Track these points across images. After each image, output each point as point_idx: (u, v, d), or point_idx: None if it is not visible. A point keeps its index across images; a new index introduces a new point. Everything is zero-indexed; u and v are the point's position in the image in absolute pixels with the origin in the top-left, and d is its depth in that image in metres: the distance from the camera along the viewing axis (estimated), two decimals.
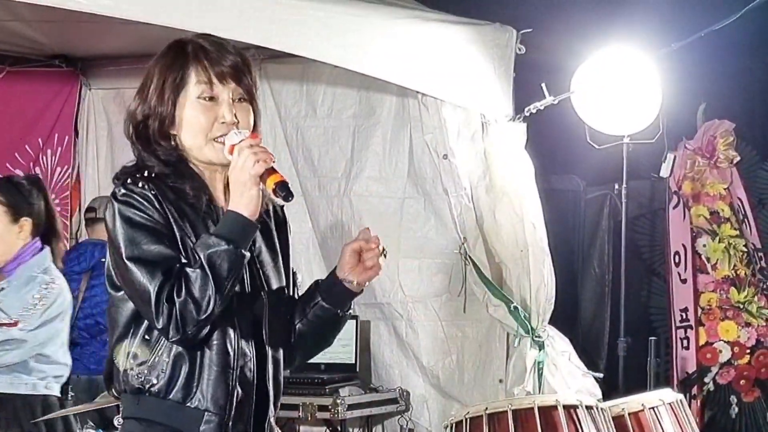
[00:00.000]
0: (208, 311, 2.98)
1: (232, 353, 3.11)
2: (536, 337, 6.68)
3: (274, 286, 3.28)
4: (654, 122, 6.88)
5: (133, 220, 3.03)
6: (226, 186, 3.18)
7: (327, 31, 6.01)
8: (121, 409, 3.22)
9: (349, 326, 7.38)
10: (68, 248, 7.80)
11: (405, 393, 7.34)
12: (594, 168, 8.05)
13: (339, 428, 7.19)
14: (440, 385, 7.29)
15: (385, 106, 7.40)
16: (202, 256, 2.98)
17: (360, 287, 3.41)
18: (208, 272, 2.97)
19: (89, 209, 7.72)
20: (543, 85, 6.61)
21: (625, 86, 6.66)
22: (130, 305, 3.08)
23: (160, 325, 2.97)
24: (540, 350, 6.68)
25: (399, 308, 7.43)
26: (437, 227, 7.24)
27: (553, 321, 6.80)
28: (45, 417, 5.78)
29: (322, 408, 6.98)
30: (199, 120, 3.14)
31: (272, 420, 3.27)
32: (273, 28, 5.80)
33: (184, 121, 3.15)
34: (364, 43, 6.20)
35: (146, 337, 3.08)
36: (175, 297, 2.95)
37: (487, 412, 4.89)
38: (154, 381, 3.06)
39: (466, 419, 4.96)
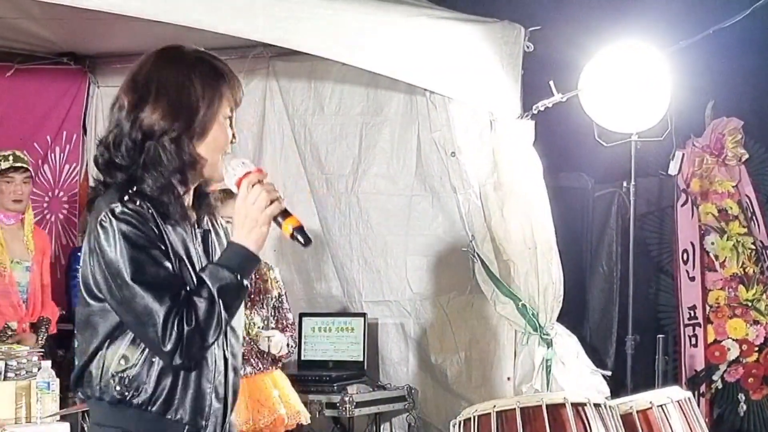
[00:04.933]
0: (211, 341, 3.04)
1: (211, 367, 3.16)
2: (544, 334, 6.68)
3: None
4: (662, 120, 6.87)
5: (136, 241, 3.00)
6: (194, 201, 3.20)
7: (335, 28, 6.01)
8: (90, 415, 3.22)
9: (358, 324, 7.40)
10: (77, 245, 7.84)
11: (413, 390, 7.34)
12: (602, 165, 8.05)
13: (347, 425, 7.20)
14: (448, 383, 7.29)
15: (393, 103, 7.40)
16: (212, 288, 3.02)
17: None
18: (216, 303, 3.01)
19: None
20: (551, 82, 6.60)
21: (634, 84, 6.66)
22: (111, 318, 3.07)
23: (167, 349, 2.98)
24: (548, 348, 6.68)
25: (407, 306, 7.44)
26: (445, 225, 7.24)
27: (561, 318, 6.80)
28: (50, 415, 5.80)
29: (330, 405, 6.99)
30: (225, 138, 3.17)
31: (232, 418, 3.32)
32: (282, 26, 5.80)
33: (211, 136, 3.15)
34: (372, 41, 6.20)
35: (128, 350, 3.08)
36: (185, 324, 2.97)
37: (496, 409, 4.89)
38: (136, 393, 3.08)
39: (474, 417, 4.95)
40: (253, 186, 3.06)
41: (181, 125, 3.09)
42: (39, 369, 5.89)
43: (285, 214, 3.08)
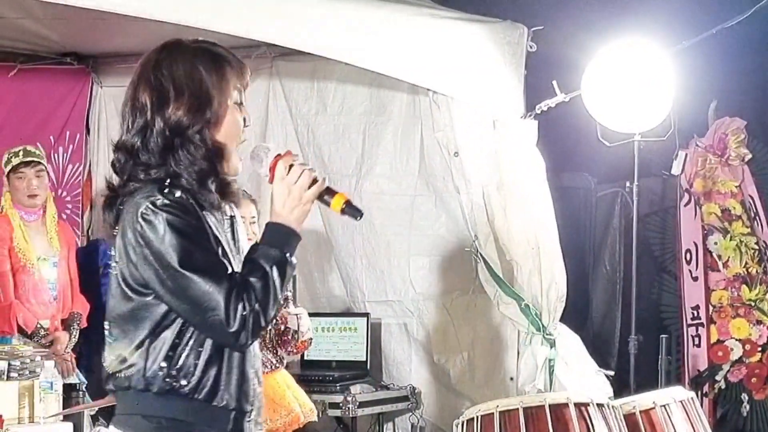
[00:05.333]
0: (270, 318, 3.09)
1: (253, 352, 3.23)
2: (547, 334, 6.67)
3: None
4: (665, 120, 6.87)
5: (182, 229, 3.05)
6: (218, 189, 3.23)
7: (338, 28, 6.02)
8: (124, 406, 3.22)
9: (361, 324, 7.40)
10: (81, 245, 7.83)
11: (416, 390, 7.34)
12: (605, 165, 8.04)
13: (350, 425, 7.20)
14: (451, 383, 7.29)
15: (396, 103, 7.40)
16: (267, 267, 3.07)
17: None
18: (270, 282, 3.06)
19: None
20: (554, 82, 6.60)
21: (637, 84, 6.65)
22: (158, 310, 3.11)
23: (233, 329, 3.02)
24: (551, 348, 6.68)
25: (410, 306, 7.44)
26: (448, 225, 7.25)
27: (564, 319, 6.79)
28: (57, 413, 5.81)
29: (333, 405, 7.00)
30: (238, 124, 3.23)
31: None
32: (284, 25, 5.81)
33: (224, 125, 3.21)
34: (375, 41, 6.20)
35: (176, 340, 3.12)
36: (246, 305, 3.02)
37: (498, 409, 4.89)
38: (184, 382, 3.12)
39: (477, 417, 4.95)
40: (291, 166, 3.12)
41: (204, 117, 3.15)
42: (42, 369, 5.90)
43: (330, 191, 3.16)
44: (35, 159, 6.81)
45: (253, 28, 5.73)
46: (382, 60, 6.32)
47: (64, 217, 8.29)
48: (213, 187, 3.16)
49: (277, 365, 6.03)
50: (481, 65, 6.56)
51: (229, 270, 3.08)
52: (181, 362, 3.11)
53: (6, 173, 6.81)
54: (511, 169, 6.70)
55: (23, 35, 7.65)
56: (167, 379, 3.11)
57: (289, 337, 5.95)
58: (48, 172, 7.01)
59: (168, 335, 3.12)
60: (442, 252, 7.31)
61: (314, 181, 3.14)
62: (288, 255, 3.11)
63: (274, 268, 3.07)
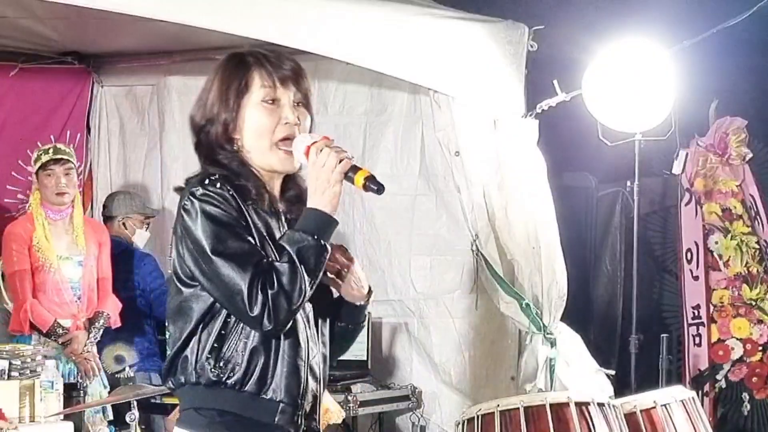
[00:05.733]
0: (299, 302, 3.10)
1: (303, 346, 3.25)
2: (548, 334, 6.67)
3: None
4: (666, 119, 6.87)
5: (217, 217, 3.11)
6: (283, 191, 3.33)
7: (338, 28, 6.01)
8: (182, 402, 3.29)
9: None
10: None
11: (417, 390, 7.34)
12: (606, 165, 8.04)
13: (351, 425, 7.20)
14: (452, 382, 7.29)
15: (397, 103, 7.40)
16: (291, 250, 3.10)
17: (358, 299, 3.48)
18: (298, 265, 3.09)
19: (104, 206, 7.70)
20: (555, 81, 6.60)
21: (638, 83, 6.65)
22: (204, 301, 3.17)
23: (254, 314, 3.06)
24: (552, 347, 6.68)
25: (411, 305, 7.44)
26: (449, 224, 7.24)
27: (565, 318, 6.79)
28: (63, 411, 5.82)
29: None
30: (264, 122, 3.25)
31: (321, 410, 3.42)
32: (285, 25, 5.80)
33: (247, 125, 3.26)
34: (375, 40, 6.20)
35: (222, 331, 3.17)
36: (268, 288, 3.06)
37: (499, 409, 4.90)
38: (231, 374, 3.16)
39: (477, 416, 4.96)
40: (321, 150, 3.18)
41: (214, 120, 3.25)
42: (43, 368, 5.90)
43: (354, 169, 3.22)
44: (65, 157, 6.80)
45: (253, 28, 5.72)
46: (383, 59, 6.32)
47: None
48: (251, 182, 3.23)
49: None
50: (482, 65, 6.56)
51: (261, 257, 3.11)
52: (227, 354, 3.16)
53: (35, 171, 6.81)
54: (512, 168, 6.69)
55: (24, 35, 7.64)
56: (214, 371, 3.16)
57: None
58: (77, 172, 6.98)
59: (215, 327, 3.17)
60: (443, 251, 7.30)
61: (341, 161, 3.18)
62: (316, 238, 3.13)
63: (301, 252, 3.10)
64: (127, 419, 5.91)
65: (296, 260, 3.09)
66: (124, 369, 6.98)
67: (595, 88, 6.64)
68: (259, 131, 3.25)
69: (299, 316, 3.22)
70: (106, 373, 6.88)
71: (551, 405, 4.87)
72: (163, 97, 8.04)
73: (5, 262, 6.74)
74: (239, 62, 3.29)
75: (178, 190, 3.24)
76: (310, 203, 3.18)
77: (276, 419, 3.19)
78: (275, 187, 3.32)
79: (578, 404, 4.91)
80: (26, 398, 5.77)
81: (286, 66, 3.30)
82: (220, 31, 5.66)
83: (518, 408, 4.87)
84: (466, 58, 6.50)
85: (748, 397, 8.05)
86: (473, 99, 6.64)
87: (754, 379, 8.03)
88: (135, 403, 5.85)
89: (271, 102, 3.25)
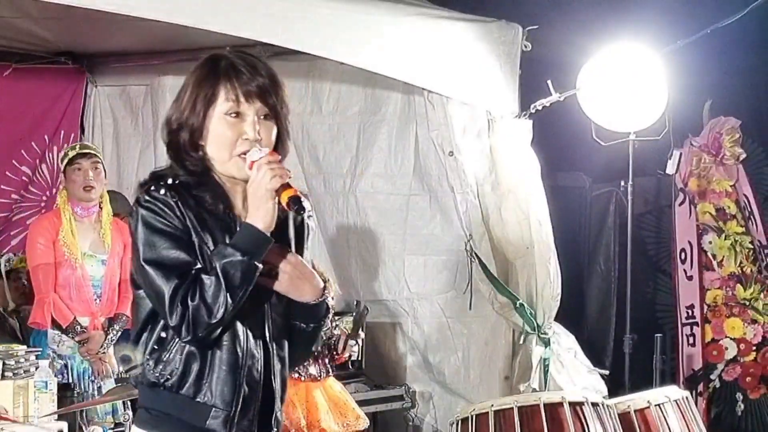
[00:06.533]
0: (219, 316, 3.13)
1: (240, 353, 3.25)
2: (542, 334, 6.68)
3: None
4: (660, 119, 6.87)
5: (154, 225, 3.16)
6: (245, 199, 3.30)
7: (333, 28, 6.01)
8: (138, 398, 3.37)
9: None
10: None
11: (411, 390, 7.34)
12: (600, 165, 8.05)
13: None
14: (446, 382, 7.29)
15: (391, 103, 7.40)
16: (217, 265, 3.13)
17: (306, 299, 3.36)
18: (222, 280, 3.12)
19: None
20: (549, 82, 6.60)
21: (631, 83, 6.66)
22: (148, 303, 3.24)
23: (173, 323, 3.13)
24: (546, 347, 6.68)
25: (404, 305, 7.44)
26: (443, 224, 7.24)
27: (559, 318, 6.80)
28: (58, 411, 5.82)
29: None
30: (226, 135, 3.27)
31: (279, 414, 3.39)
32: (279, 25, 5.80)
33: (211, 135, 3.28)
34: (370, 40, 6.20)
35: (162, 334, 3.23)
36: (189, 300, 3.11)
37: (493, 409, 4.90)
38: (168, 376, 3.22)
39: (472, 416, 4.96)
40: (261, 166, 3.19)
41: (183, 125, 3.27)
42: (37, 368, 5.89)
43: (285, 186, 3.19)
44: (92, 151, 6.75)
45: (246, 28, 5.72)
46: (377, 59, 6.32)
47: None
48: (209, 189, 3.26)
49: (328, 373, 6.21)
50: (476, 64, 6.56)
51: (190, 267, 3.15)
52: (166, 356, 3.21)
53: (63, 168, 6.76)
54: (506, 168, 6.70)
55: (18, 35, 7.64)
56: (154, 372, 3.22)
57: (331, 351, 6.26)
58: (104, 170, 6.93)
59: (156, 329, 3.24)
60: (437, 251, 7.30)
61: (273, 179, 3.18)
62: (244, 254, 3.14)
63: (227, 267, 3.12)
64: (121, 419, 5.89)
65: (221, 275, 3.11)
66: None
67: (589, 88, 6.64)
68: (220, 143, 3.26)
69: (239, 323, 3.24)
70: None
71: (545, 405, 4.88)
72: (156, 96, 8.03)
73: (29, 254, 6.70)
74: (211, 69, 3.29)
75: (141, 185, 3.27)
76: (248, 219, 3.20)
77: (207, 423, 3.22)
78: (238, 193, 3.33)
79: (572, 404, 4.91)
80: (20, 398, 5.77)
81: (256, 80, 3.27)
82: (213, 31, 5.65)
83: (512, 408, 4.87)
84: (460, 58, 6.51)
85: (741, 397, 8.06)
86: (467, 99, 6.65)
87: (748, 378, 8.03)
88: (129, 402, 5.85)
89: (234, 115, 3.26)
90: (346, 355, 6.37)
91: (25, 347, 6.24)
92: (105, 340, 6.64)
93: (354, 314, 6.55)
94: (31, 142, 7.92)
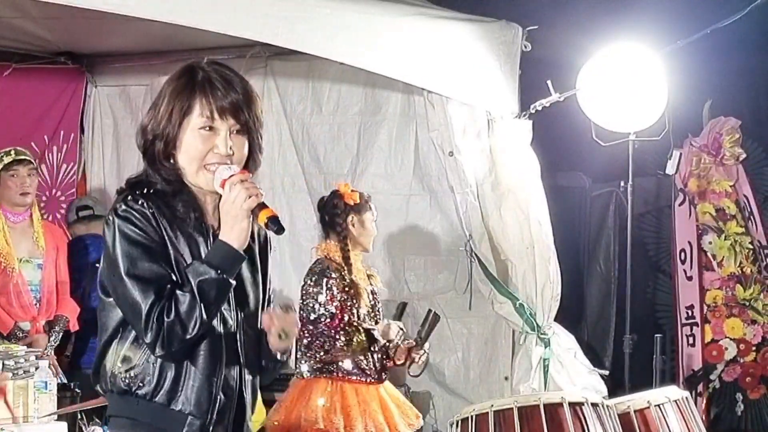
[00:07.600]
0: (193, 333, 3.16)
1: (218, 361, 3.28)
2: (542, 334, 6.68)
3: (251, 300, 3.43)
4: (660, 119, 6.87)
5: (131, 237, 3.19)
6: (216, 208, 3.32)
7: (333, 28, 6.01)
8: (108, 406, 3.36)
9: None
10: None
11: (410, 390, 7.33)
12: (600, 165, 8.04)
13: None
14: (446, 382, 7.29)
15: (391, 103, 7.40)
16: (192, 283, 3.16)
17: (276, 353, 3.41)
18: (197, 297, 3.15)
19: (84, 207, 7.65)
20: (549, 82, 6.60)
21: (631, 83, 6.66)
22: (119, 311, 3.24)
23: (148, 340, 3.15)
24: (546, 347, 6.68)
25: None
26: (443, 224, 7.24)
27: (559, 318, 6.80)
28: (53, 413, 5.81)
29: None
30: (197, 148, 3.29)
31: (249, 423, 3.44)
32: (279, 25, 5.80)
33: (183, 146, 3.30)
34: (370, 40, 6.19)
35: (135, 342, 3.23)
36: (165, 317, 3.14)
37: (493, 409, 4.89)
38: (141, 384, 3.23)
39: (471, 416, 4.96)
40: (234, 185, 3.20)
41: (159, 136, 3.29)
42: (37, 369, 5.89)
43: (261, 206, 3.22)
44: (27, 158, 6.82)
45: (246, 28, 5.72)
46: (377, 59, 6.32)
47: (59, 216, 8.29)
48: (182, 199, 3.28)
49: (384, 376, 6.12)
50: (476, 65, 6.56)
51: (168, 282, 3.17)
52: (138, 365, 3.23)
53: None
54: (506, 168, 6.70)
55: (18, 35, 7.64)
56: (125, 380, 3.23)
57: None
58: (39, 174, 7.00)
59: (128, 337, 3.24)
60: (437, 251, 7.31)
61: (249, 198, 3.20)
62: (219, 272, 3.17)
63: (202, 285, 3.15)
64: None
65: (196, 293, 3.14)
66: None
67: (589, 88, 6.64)
68: (191, 155, 3.28)
69: (219, 329, 3.27)
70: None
71: (545, 405, 4.87)
72: None
73: None
74: (188, 82, 3.30)
75: (119, 192, 3.29)
76: (221, 236, 3.23)
77: (183, 431, 3.24)
78: (210, 202, 3.35)
79: (572, 404, 4.90)
80: (20, 399, 5.76)
81: (228, 98, 3.28)
82: (213, 31, 5.66)
83: (512, 408, 4.86)
84: (460, 59, 6.51)
85: (741, 398, 8.05)
86: (467, 99, 6.65)
87: (748, 379, 8.03)
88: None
89: (208, 129, 3.27)
90: (407, 364, 6.14)
91: (24, 347, 6.24)
92: (48, 342, 6.69)
93: (425, 324, 6.16)
94: (31, 143, 7.91)
